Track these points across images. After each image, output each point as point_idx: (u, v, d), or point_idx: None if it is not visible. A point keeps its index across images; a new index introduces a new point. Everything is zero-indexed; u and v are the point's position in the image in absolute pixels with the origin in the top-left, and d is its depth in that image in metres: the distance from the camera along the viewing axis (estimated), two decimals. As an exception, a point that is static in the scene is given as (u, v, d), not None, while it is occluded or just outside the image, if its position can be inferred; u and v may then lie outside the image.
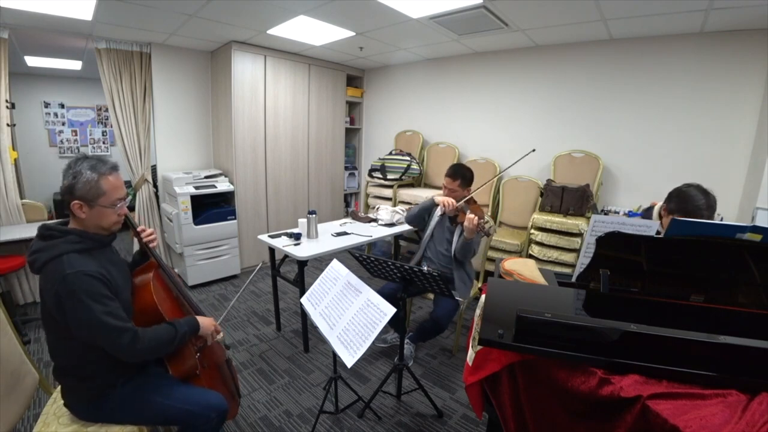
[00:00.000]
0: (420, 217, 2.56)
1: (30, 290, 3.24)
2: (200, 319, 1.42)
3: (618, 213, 2.99)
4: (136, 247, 3.47)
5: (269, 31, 3.22)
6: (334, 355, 1.93)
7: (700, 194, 1.51)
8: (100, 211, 1.23)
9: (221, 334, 1.53)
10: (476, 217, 2.08)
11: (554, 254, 2.99)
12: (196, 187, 3.51)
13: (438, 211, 2.52)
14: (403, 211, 3.32)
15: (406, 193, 4.04)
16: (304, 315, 2.62)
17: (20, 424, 1.88)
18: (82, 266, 1.14)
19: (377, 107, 5.03)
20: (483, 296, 1.28)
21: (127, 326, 1.17)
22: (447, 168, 2.46)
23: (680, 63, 2.82)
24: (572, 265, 2.87)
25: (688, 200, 1.51)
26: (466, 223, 2.11)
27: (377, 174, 4.28)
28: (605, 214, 3.00)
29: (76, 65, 4.51)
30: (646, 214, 1.98)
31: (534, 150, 2.53)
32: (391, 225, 3.15)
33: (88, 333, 1.14)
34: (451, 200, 2.29)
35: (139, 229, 1.47)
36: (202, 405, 1.36)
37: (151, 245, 1.49)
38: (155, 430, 1.58)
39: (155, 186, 3.95)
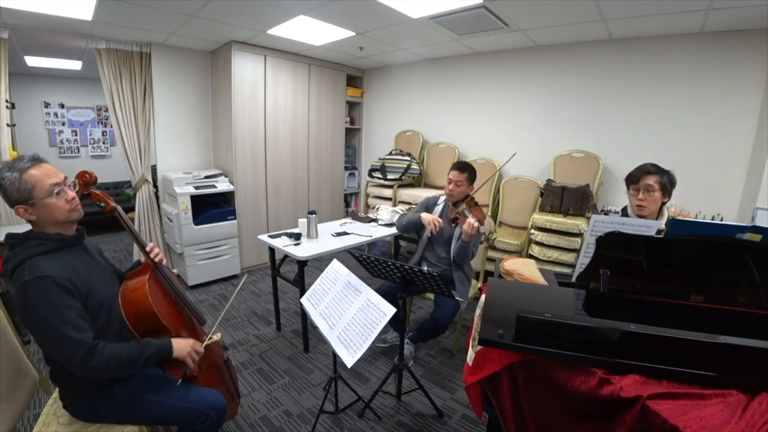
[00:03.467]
0: (408, 229, 2.58)
1: (30, 290, 3.24)
2: (176, 341, 1.30)
3: (618, 213, 2.99)
4: (136, 250, 3.47)
5: (269, 31, 3.22)
6: (334, 355, 1.93)
7: (646, 163, 1.82)
8: (44, 205, 1.16)
9: (200, 354, 1.37)
10: (477, 223, 2.05)
11: (554, 254, 2.99)
12: (196, 187, 3.51)
13: (437, 211, 2.52)
14: (403, 211, 3.32)
15: (406, 193, 4.04)
16: (304, 315, 2.62)
17: (20, 424, 1.88)
18: (43, 270, 1.10)
19: (377, 107, 5.03)
20: (483, 296, 1.28)
21: (85, 338, 1.10)
22: (450, 166, 2.44)
23: (680, 63, 2.82)
24: (572, 265, 2.87)
25: (631, 171, 1.84)
26: (465, 227, 2.08)
27: (377, 174, 4.28)
28: (605, 214, 2.99)
29: (76, 65, 4.51)
30: (623, 211, 2.00)
31: (515, 154, 2.66)
32: (391, 225, 3.15)
33: (46, 346, 1.10)
34: (438, 222, 2.32)
35: (148, 248, 1.45)
36: (201, 404, 1.35)
37: (162, 263, 1.48)
38: (155, 429, 1.58)
39: (155, 186, 3.95)
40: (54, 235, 1.21)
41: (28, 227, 1.23)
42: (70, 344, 1.09)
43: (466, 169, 2.38)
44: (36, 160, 1.19)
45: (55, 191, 1.18)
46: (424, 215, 2.39)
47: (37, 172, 1.16)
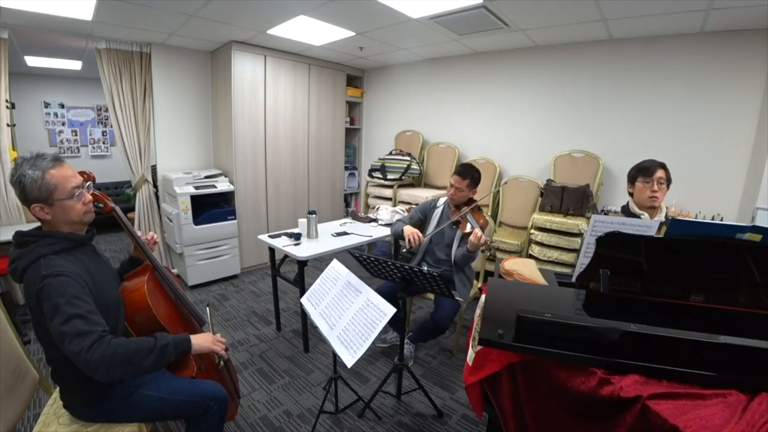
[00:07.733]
0: (398, 238, 2.53)
1: (30, 290, 3.24)
2: (194, 336, 1.28)
3: (618, 213, 2.99)
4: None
5: (269, 31, 3.22)
6: (334, 355, 1.93)
7: (647, 159, 1.87)
8: (62, 206, 1.17)
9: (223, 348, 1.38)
10: (483, 237, 2.05)
11: (554, 254, 2.99)
12: (196, 187, 3.51)
13: (437, 214, 2.51)
14: (403, 211, 3.32)
15: (406, 193, 4.04)
16: (304, 315, 2.62)
17: (20, 424, 1.88)
18: (59, 267, 1.10)
19: (377, 107, 5.02)
20: (483, 296, 1.28)
21: (94, 329, 1.06)
22: (454, 167, 2.43)
23: (680, 63, 2.82)
24: (572, 265, 2.87)
25: (640, 164, 1.85)
26: (472, 239, 2.08)
27: (377, 174, 4.28)
28: (605, 214, 2.99)
29: (76, 65, 4.51)
30: (624, 209, 1.98)
31: (506, 182, 2.64)
32: (391, 225, 3.14)
33: (56, 337, 1.06)
34: (418, 236, 2.29)
35: (139, 233, 1.46)
36: (200, 395, 1.36)
37: (152, 249, 1.48)
38: (155, 428, 1.58)
39: (155, 186, 3.95)
40: (68, 234, 1.20)
41: (27, 227, 1.23)
42: (80, 333, 1.04)
43: (467, 175, 2.33)
44: (57, 160, 1.18)
45: (76, 193, 1.19)
46: (407, 228, 2.37)
47: (59, 173, 1.16)
